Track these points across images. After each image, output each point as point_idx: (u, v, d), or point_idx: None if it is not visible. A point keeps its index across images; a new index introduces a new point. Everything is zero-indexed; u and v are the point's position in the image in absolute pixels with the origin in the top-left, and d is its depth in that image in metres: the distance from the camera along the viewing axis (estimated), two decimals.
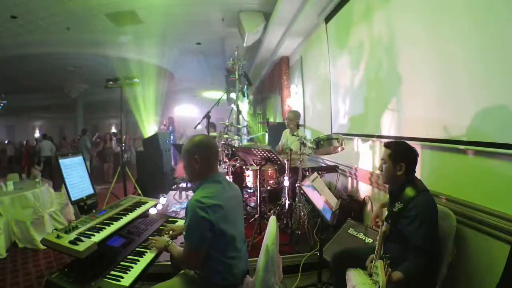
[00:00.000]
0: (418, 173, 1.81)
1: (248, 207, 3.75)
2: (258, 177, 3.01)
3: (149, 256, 1.61)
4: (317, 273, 2.33)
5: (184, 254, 1.42)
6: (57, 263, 2.93)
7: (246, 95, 6.33)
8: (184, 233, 1.40)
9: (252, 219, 3.11)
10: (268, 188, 3.43)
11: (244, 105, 8.77)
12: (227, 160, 3.66)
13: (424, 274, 1.48)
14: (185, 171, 1.57)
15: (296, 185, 2.98)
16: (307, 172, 3.27)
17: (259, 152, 2.91)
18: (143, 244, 1.71)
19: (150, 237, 1.77)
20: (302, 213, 2.96)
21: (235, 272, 1.45)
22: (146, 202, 2.17)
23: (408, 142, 1.77)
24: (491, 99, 1.62)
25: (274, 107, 8.27)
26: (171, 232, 1.82)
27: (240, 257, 1.49)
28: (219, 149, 3.72)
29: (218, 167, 3.49)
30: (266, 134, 5.07)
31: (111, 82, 4.76)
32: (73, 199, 1.84)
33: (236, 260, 1.46)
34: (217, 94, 6.49)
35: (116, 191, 4.84)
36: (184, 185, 4.54)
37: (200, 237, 1.34)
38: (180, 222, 2.07)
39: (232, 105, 5.30)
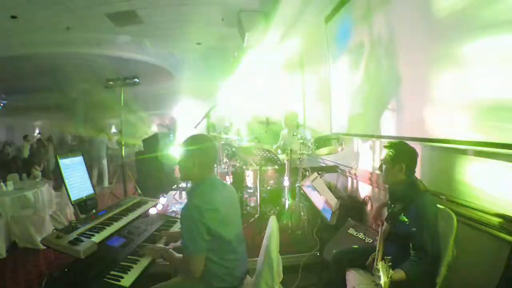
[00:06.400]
0: (418, 173, 1.81)
1: (248, 207, 3.75)
2: (258, 177, 3.01)
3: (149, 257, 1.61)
4: (317, 273, 2.33)
5: (183, 261, 1.38)
6: (57, 263, 2.94)
7: None
8: (181, 240, 1.38)
9: (252, 219, 3.11)
10: (268, 188, 3.43)
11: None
12: (227, 160, 3.66)
13: (424, 274, 1.48)
14: (179, 168, 1.53)
15: (296, 185, 2.98)
16: (307, 172, 3.27)
17: (259, 152, 2.91)
18: (143, 244, 1.71)
19: (143, 244, 1.71)
20: (302, 213, 2.96)
21: (235, 274, 1.44)
22: (146, 202, 2.17)
23: (408, 142, 1.76)
24: (491, 99, 1.61)
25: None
26: (166, 238, 1.78)
27: (240, 259, 1.48)
28: (219, 149, 3.72)
29: (218, 167, 3.52)
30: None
31: (111, 82, 4.76)
32: (73, 199, 1.83)
33: (236, 262, 1.45)
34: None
35: (116, 191, 4.85)
36: (184, 185, 4.54)
37: (198, 242, 1.31)
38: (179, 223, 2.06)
39: None
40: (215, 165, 3.23)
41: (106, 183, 6.82)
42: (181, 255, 1.42)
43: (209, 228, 1.31)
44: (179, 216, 2.26)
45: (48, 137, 9.84)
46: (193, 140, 1.51)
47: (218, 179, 1.54)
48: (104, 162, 7.13)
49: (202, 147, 1.48)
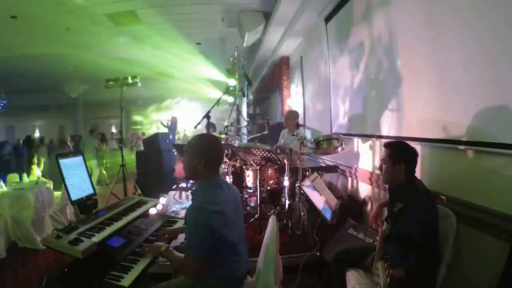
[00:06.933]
0: (418, 173, 1.81)
1: (248, 207, 3.75)
2: (258, 177, 3.01)
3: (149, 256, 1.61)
4: (317, 273, 2.34)
5: (185, 262, 1.37)
6: (57, 263, 2.94)
7: (246, 95, 6.32)
8: (185, 241, 1.37)
9: (252, 219, 3.11)
10: (268, 188, 3.43)
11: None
12: (227, 160, 3.66)
13: (424, 274, 1.48)
14: (184, 167, 1.51)
15: (296, 185, 2.98)
16: (307, 172, 3.27)
17: (259, 152, 2.91)
18: (142, 244, 1.71)
19: (143, 243, 1.69)
20: (302, 213, 2.96)
21: (236, 274, 1.44)
22: (146, 202, 2.17)
23: (408, 142, 1.77)
24: (491, 99, 1.62)
25: (274, 107, 8.27)
26: (166, 236, 1.77)
27: (241, 259, 1.47)
28: None
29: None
30: None
31: (111, 82, 4.75)
32: (73, 199, 1.83)
33: (238, 264, 1.45)
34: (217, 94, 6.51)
35: (116, 191, 4.84)
36: (184, 185, 4.54)
37: (202, 244, 1.31)
38: (180, 223, 2.06)
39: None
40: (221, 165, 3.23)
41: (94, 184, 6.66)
42: (182, 254, 1.41)
43: (214, 231, 1.30)
44: (180, 216, 2.28)
45: (40, 138, 9.72)
46: (201, 139, 1.50)
47: (222, 180, 1.54)
48: (92, 162, 6.96)
49: (209, 146, 1.48)
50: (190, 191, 3.14)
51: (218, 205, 1.35)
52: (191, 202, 1.48)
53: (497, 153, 1.58)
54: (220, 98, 3.71)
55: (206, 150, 1.46)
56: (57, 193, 4.03)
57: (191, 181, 4.06)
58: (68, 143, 11.39)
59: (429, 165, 2.12)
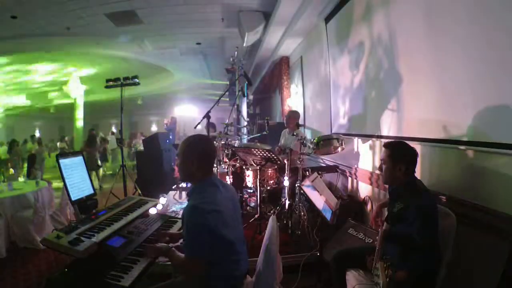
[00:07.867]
0: (418, 173, 1.81)
1: (248, 207, 3.75)
2: (258, 177, 3.01)
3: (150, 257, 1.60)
4: (316, 273, 2.33)
5: (184, 263, 1.37)
6: (57, 263, 2.94)
7: (246, 95, 6.32)
8: (183, 241, 1.37)
9: (252, 219, 3.11)
10: (268, 188, 3.43)
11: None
12: (227, 160, 3.66)
13: (424, 274, 1.48)
14: (178, 170, 1.52)
15: (296, 185, 2.98)
16: (307, 172, 3.27)
17: (259, 152, 2.91)
18: (143, 244, 1.71)
19: (143, 243, 1.68)
20: (302, 213, 2.96)
21: (235, 274, 1.44)
22: (146, 202, 2.17)
23: (408, 142, 1.76)
24: (491, 99, 1.62)
25: (274, 107, 8.27)
26: (167, 238, 1.74)
27: (241, 259, 1.47)
28: (219, 149, 3.72)
29: (218, 167, 3.52)
30: None
31: (111, 82, 4.74)
32: (73, 199, 1.83)
33: (237, 263, 1.44)
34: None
35: (116, 191, 4.84)
36: (184, 185, 4.53)
37: (200, 245, 1.30)
38: (180, 223, 2.06)
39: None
40: (214, 165, 3.23)
41: None
42: (183, 254, 1.41)
43: (212, 231, 1.30)
44: (180, 216, 2.27)
45: (37, 139, 9.70)
46: (191, 140, 1.50)
47: (218, 179, 1.53)
48: None
49: (200, 146, 1.48)
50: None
51: (214, 205, 1.35)
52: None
53: (497, 153, 1.58)
54: (220, 98, 3.71)
55: (197, 151, 1.46)
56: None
57: None
58: (58, 144, 11.38)
59: (429, 165, 2.12)
